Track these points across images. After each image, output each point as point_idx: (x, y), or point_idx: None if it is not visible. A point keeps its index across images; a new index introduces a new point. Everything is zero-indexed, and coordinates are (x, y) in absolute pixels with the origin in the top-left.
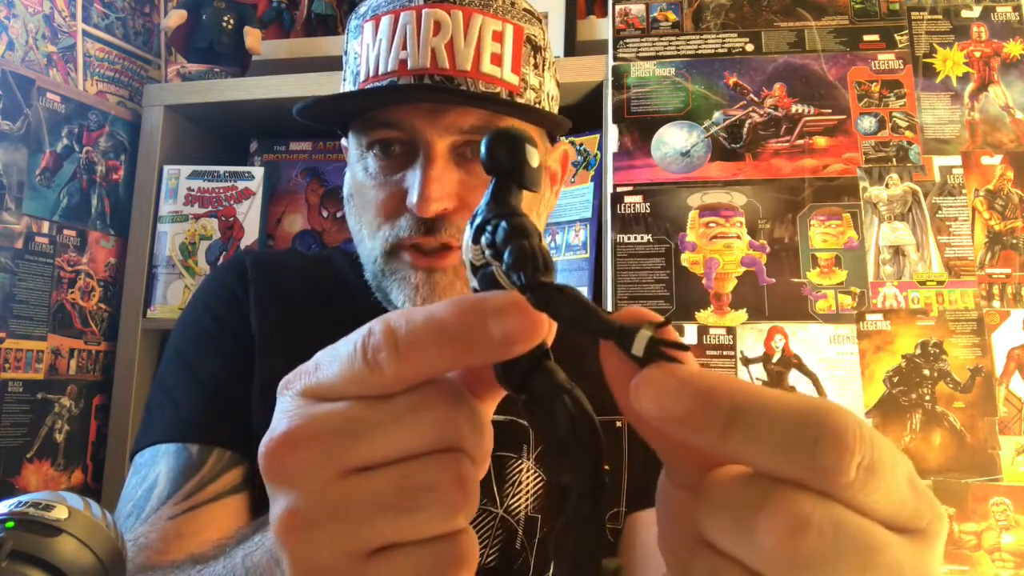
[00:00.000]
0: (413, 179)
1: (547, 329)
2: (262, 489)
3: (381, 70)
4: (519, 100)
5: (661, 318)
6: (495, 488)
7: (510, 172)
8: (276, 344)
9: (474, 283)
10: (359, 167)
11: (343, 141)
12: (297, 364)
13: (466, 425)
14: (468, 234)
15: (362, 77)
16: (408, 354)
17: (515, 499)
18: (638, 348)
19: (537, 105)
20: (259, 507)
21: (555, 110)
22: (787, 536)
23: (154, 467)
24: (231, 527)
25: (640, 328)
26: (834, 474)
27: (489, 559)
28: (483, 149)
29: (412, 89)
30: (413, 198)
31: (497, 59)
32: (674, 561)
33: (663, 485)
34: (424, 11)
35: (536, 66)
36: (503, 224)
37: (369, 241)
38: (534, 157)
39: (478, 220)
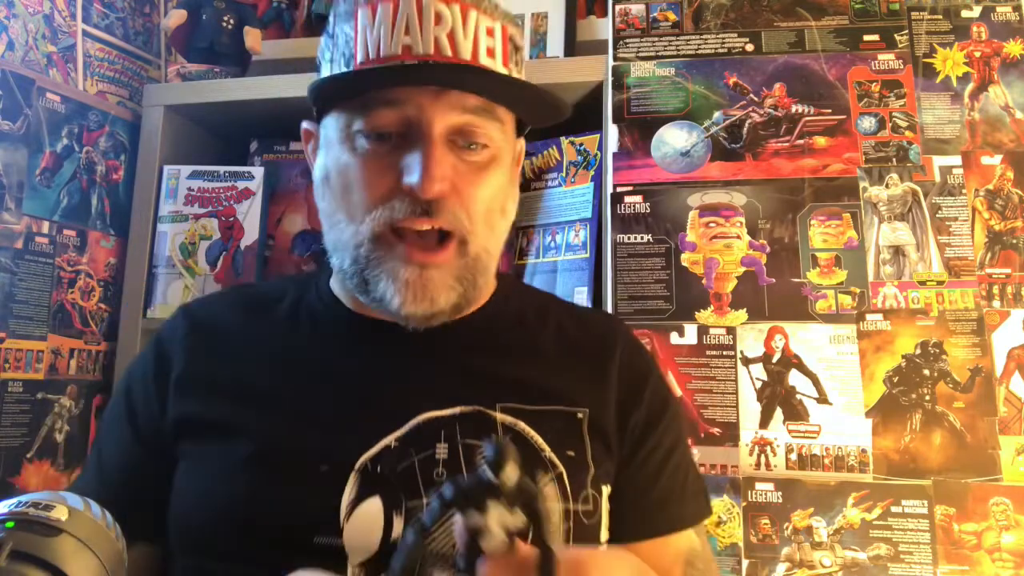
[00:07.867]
0: (412, 160)
1: None
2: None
3: (383, 53)
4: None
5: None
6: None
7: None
8: (221, 394)
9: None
10: (343, 148)
11: (305, 124)
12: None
13: None
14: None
15: (359, 59)
16: None
17: None
18: None
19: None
20: None
21: None
22: None
23: None
24: None
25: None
26: None
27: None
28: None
29: (436, 69)
30: (414, 178)
31: (491, 52)
32: None
33: None
34: (424, 1)
35: (517, 64)
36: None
37: (352, 224)
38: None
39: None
